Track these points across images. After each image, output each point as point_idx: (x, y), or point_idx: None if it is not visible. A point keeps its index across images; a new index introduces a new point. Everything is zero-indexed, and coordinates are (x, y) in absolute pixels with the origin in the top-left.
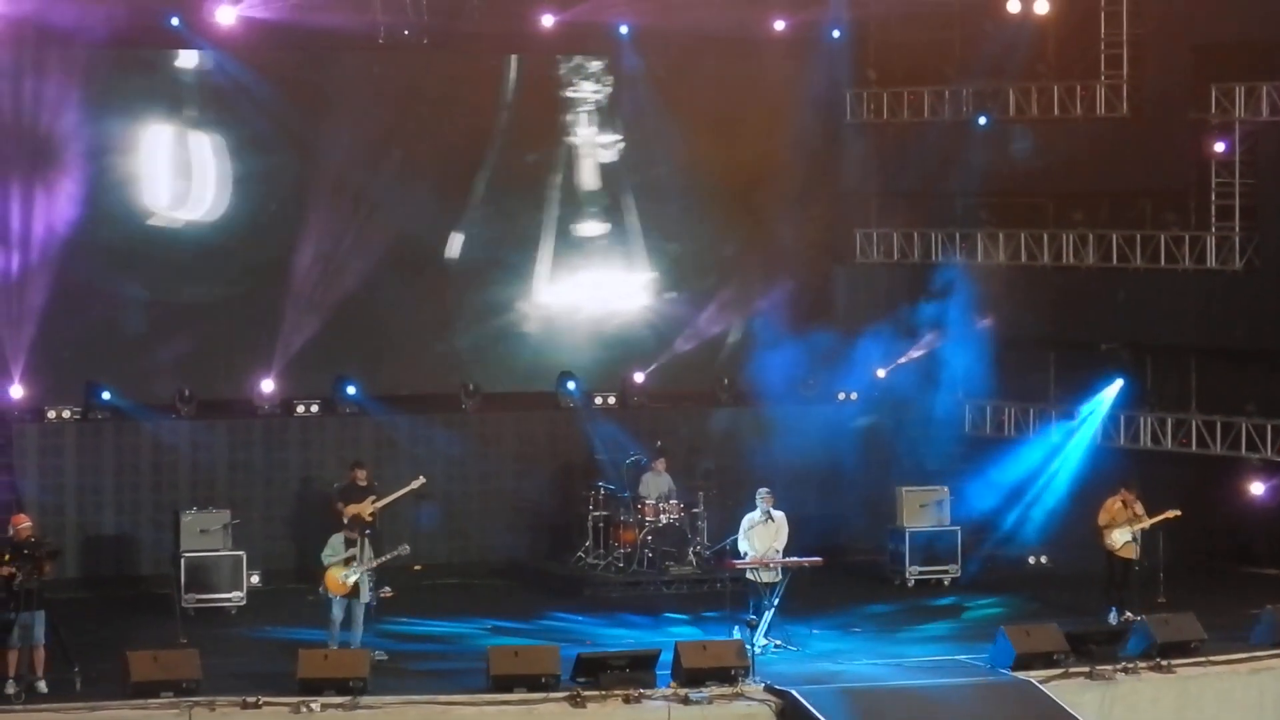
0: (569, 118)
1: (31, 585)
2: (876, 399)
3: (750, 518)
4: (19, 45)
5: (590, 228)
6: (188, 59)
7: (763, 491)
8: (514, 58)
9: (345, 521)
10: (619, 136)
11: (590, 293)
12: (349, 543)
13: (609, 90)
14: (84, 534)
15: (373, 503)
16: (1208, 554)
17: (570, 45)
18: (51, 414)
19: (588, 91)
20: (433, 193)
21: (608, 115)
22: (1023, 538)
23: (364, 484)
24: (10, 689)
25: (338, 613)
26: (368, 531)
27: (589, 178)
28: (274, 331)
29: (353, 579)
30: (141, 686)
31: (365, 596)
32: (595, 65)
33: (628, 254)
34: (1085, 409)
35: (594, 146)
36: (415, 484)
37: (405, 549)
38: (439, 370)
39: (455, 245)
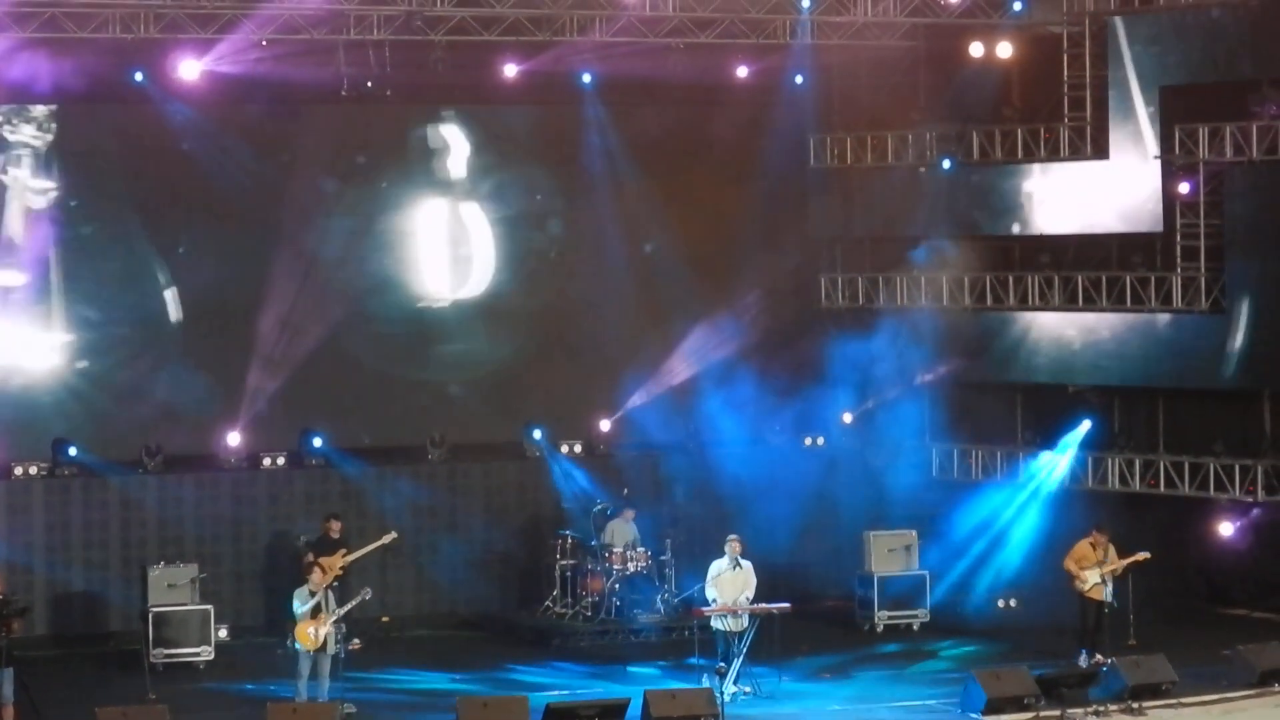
0: (2, 158)
1: (0, 643)
2: (844, 444)
3: (718, 565)
4: None
5: (9, 277)
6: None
7: (731, 539)
8: None
9: (305, 571)
10: (53, 185)
11: None
12: (311, 595)
13: (50, 138)
14: (52, 591)
15: (343, 555)
16: (1178, 595)
17: (533, 95)
18: (19, 470)
19: (27, 135)
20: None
21: (44, 161)
22: (992, 581)
23: (336, 537)
24: None
25: (304, 666)
26: (334, 584)
27: (14, 224)
28: (240, 385)
29: (322, 632)
30: None
31: (332, 649)
32: (39, 110)
33: (46, 311)
34: (1053, 451)
35: (24, 191)
36: (386, 539)
37: (368, 592)
38: (408, 421)
39: None
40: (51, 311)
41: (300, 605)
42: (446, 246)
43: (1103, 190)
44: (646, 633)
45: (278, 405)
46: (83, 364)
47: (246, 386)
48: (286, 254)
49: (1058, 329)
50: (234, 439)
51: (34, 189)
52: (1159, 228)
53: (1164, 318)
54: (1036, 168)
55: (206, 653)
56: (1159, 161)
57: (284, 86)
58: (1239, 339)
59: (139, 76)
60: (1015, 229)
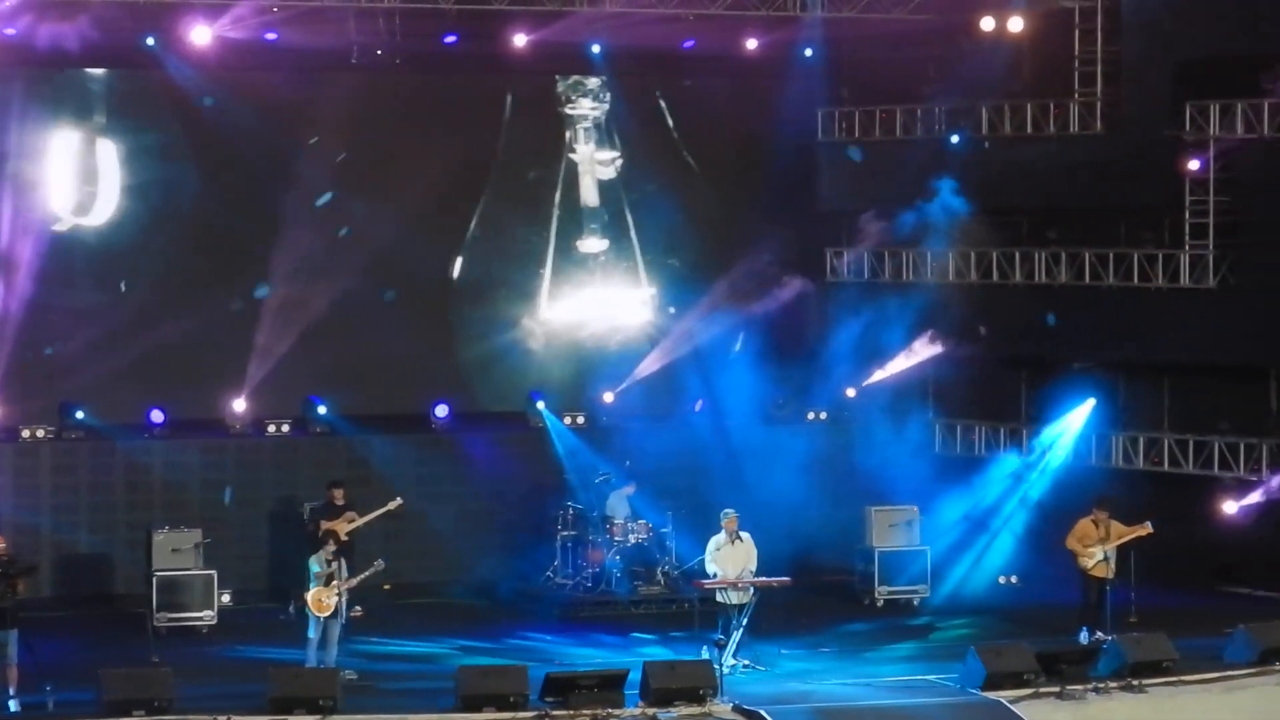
0: (568, 134)
1: (5, 604)
2: (846, 419)
3: (716, 540)
4: None
5: (591, 244)
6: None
7: (726, 513)
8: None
9: (320, 537)
10: (617, 154)
11: (593, 309)
12: (327, 563)
13: (606, 107)
14: (58, 553)
15: (349, 522)
16: (1180, 573)
17: (543, 65)
18: (26, 433)
19: (585, 108)
20: (429, 212)
21: (605, 132)
22: (993, 557)
23: (340, 503)
24: None
25: (314, 632)
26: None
27: (589, 194)
28: (246, 351)
29: (334, 600)
30: (114, 705)
31: (342, 616)
32: (593, 82)
33: (630, 270)
34: (1056, 427)
35: (592, 163)
36: (391, 506)
37: (380, 564)
38: (413, 389)
39: (457, 265)
40: None
41: (317, 570)
42: None
43: (1112, 166)
44: (647, 604)
45: (283, 372)
46: None
47: (252, 352)
48: (297, 217)
49: (1064, 305)
50: (239, 405)
51: None
52: (1168, 205)
53: (1171, 295)
54: (1046, 143)
55: (210, 617)
56: (1169, 138)
57: (295, 54)
58: (1246, 316)
59: (150, 41)
60: (1023, 204)
